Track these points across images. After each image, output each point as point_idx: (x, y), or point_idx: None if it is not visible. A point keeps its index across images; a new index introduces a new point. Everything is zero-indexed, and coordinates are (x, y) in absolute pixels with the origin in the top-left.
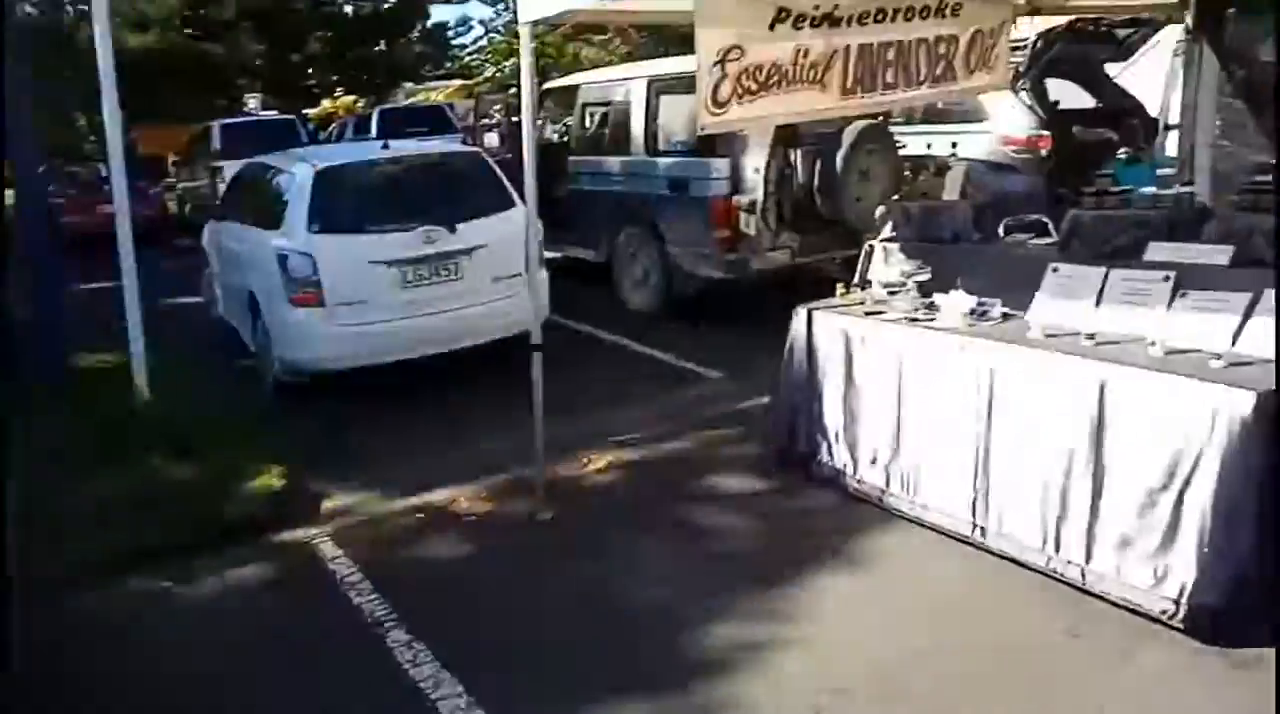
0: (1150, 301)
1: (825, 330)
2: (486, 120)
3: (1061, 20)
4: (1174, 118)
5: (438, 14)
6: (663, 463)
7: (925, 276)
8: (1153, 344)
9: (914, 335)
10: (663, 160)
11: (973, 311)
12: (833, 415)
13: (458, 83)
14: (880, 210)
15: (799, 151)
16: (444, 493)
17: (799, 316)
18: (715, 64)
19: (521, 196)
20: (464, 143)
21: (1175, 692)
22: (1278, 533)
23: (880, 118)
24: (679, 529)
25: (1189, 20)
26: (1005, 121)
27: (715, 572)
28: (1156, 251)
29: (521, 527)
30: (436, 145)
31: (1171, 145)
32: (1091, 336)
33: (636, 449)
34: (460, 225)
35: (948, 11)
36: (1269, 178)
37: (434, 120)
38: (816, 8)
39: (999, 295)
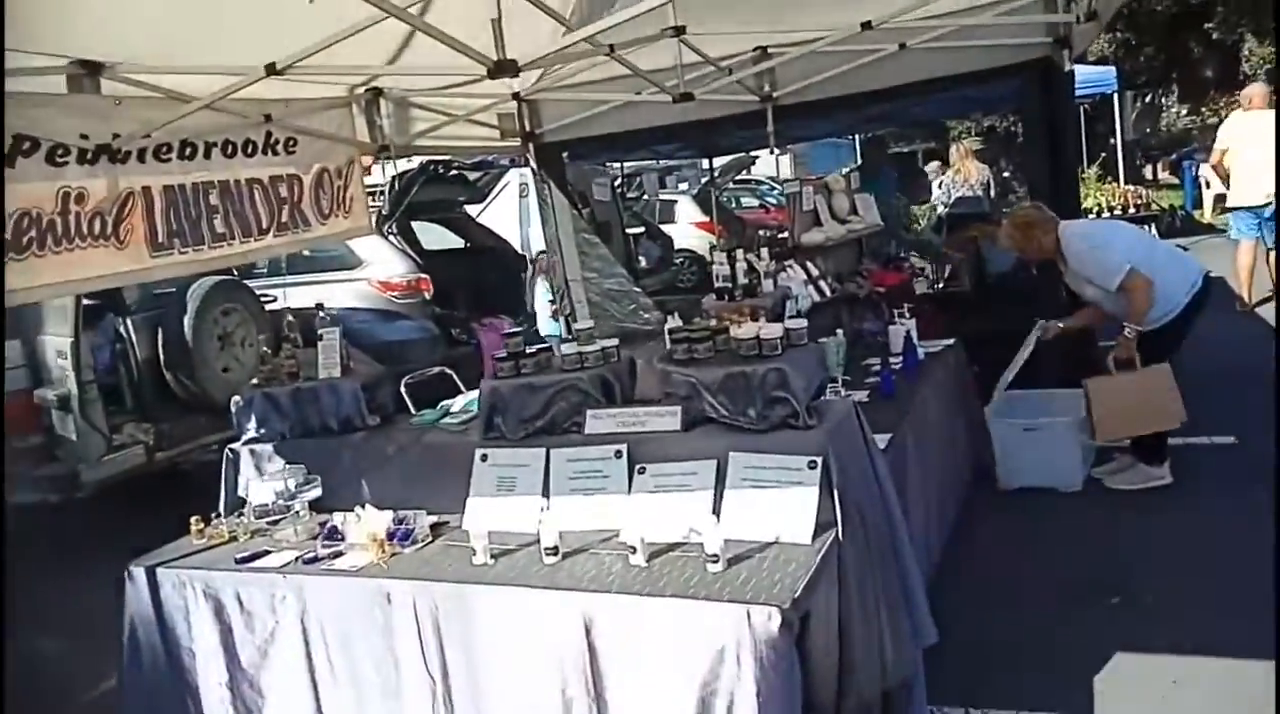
0: (608, 485)
1: (181, 595)
2: None
3: (414, 164)
4: (536, 253)
5: None
6: None
7: (315, 492)
8: (633, 550)
9: (315, 587)
10: None
11: (391, 535)
12: (215, 711)
13: None
14: (235, 401)
15: (130, 320)
16: None
17: (136, 580)
18: None
19: None
20: None
21: None
22: None
23: (233, 271)
24: None
25: (533, 163)
26: (380, 266)
27: None
28: (598, 421)
29: None
30: None
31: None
32: (554, 550)
33: None
34: None
35: (280, 148)
36: (694, 325)
37: None
38: (85, 138)
39: (419, 497)
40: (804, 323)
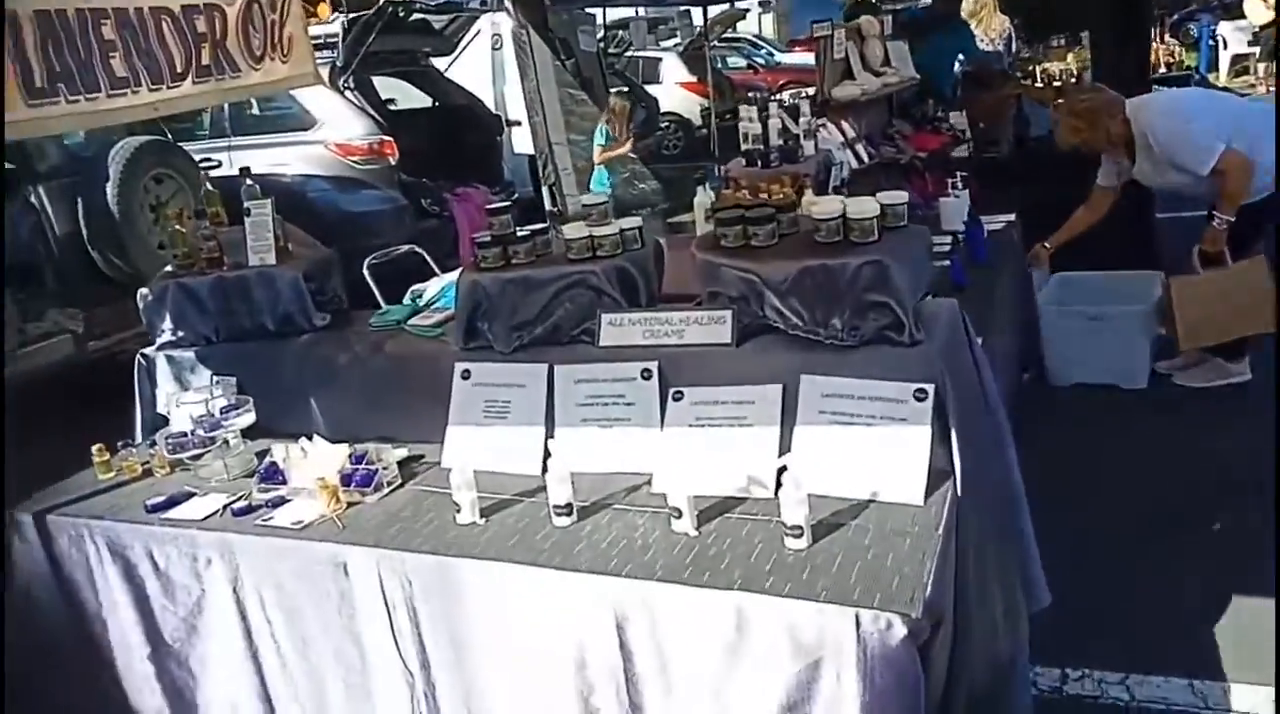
0: (634, 416)
1: (80, 550)
2: None
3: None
4: (513, 113)
5: None
6: None
7: (247, 418)
8: (676, 513)
9: (248, 550)
10: None
11: (348, 478)
12: (142, 691)
13: None
14: (143, 294)
15: (43, 188)
16: None
17: (24, 530)
18: None
19: None
20: None
21: None
22: None
23: (165, 131)
24: None
25: (509, 7)
26: (337, 127)
27: None
28: (617, 329)
29: None
30: None
31: (520, 142)
32: (567, 509)
33: None
34: None
35: None
36: (747, 201)
37: None
38: None
39: (383, 422)
40: (903, 198)
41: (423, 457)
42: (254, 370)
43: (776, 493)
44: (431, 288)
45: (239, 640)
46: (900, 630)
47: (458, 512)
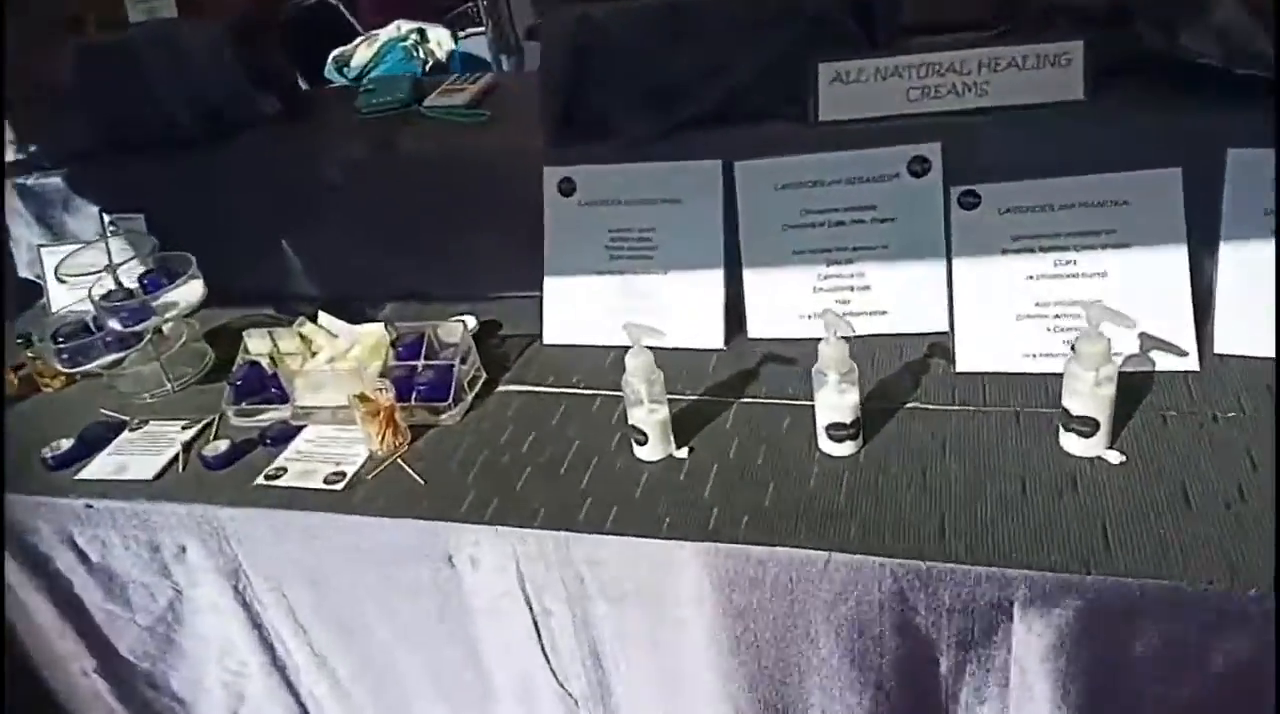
0: (895, 242)
1: None
2: None
3: None
4: None
5: None
6: None
7: (191, 290)
8: (1086, 426)
9: (252, 531)
10: None
11: (404, 385)
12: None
13: None
14: None
15: None
16: None
17: None
18: None
19: None
20: None
21: None
22: None
23: None
24: None
25: None
26: None
27: None
28: (851, 90)
29: None
30: None
31: None
32: (851, 430)
33: None
34: None
35: None
36: None
37: None
38: None
39: (406, 263)
40: None
41: (499, 328)
42: (171, 199)
43: (1203, 360)
44: (361, 52)
45: (257, 655)
46: None
47: (640, 441)
